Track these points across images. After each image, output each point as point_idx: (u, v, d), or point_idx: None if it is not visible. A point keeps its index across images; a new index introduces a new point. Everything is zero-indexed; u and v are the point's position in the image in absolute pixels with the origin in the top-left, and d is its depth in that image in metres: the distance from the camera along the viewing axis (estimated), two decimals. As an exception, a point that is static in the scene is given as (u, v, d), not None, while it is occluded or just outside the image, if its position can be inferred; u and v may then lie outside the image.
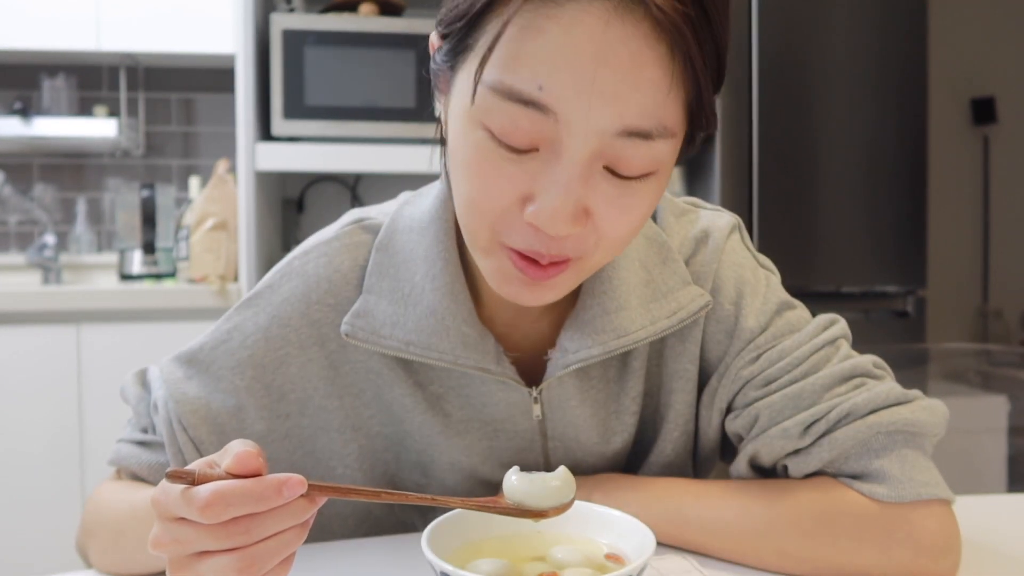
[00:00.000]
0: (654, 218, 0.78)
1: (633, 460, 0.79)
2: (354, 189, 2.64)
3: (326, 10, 2.32)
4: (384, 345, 0.69)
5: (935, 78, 2.30)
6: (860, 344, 0.74)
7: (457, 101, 0.59)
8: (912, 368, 2.20)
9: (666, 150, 0.56)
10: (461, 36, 0.57)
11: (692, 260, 0.75)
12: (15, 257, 2.68)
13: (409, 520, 0.78)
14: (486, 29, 0.55)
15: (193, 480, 0.48)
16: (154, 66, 2.73)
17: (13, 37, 2.42)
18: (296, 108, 2.16)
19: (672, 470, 0.77)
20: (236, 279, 2.33)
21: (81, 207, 2.71)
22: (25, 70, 2.68)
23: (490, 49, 0.54)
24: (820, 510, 0.66)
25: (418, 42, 2.19)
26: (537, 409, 0.72)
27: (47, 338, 2.16)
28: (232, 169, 2.39)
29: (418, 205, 0.74)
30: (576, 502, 0.60)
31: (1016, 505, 0.87)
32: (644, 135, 0.54)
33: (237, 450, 0.49)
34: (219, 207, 2.38)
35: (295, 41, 2.15)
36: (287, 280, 0.73)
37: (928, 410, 0.68)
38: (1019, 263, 3.13)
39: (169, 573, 0.50)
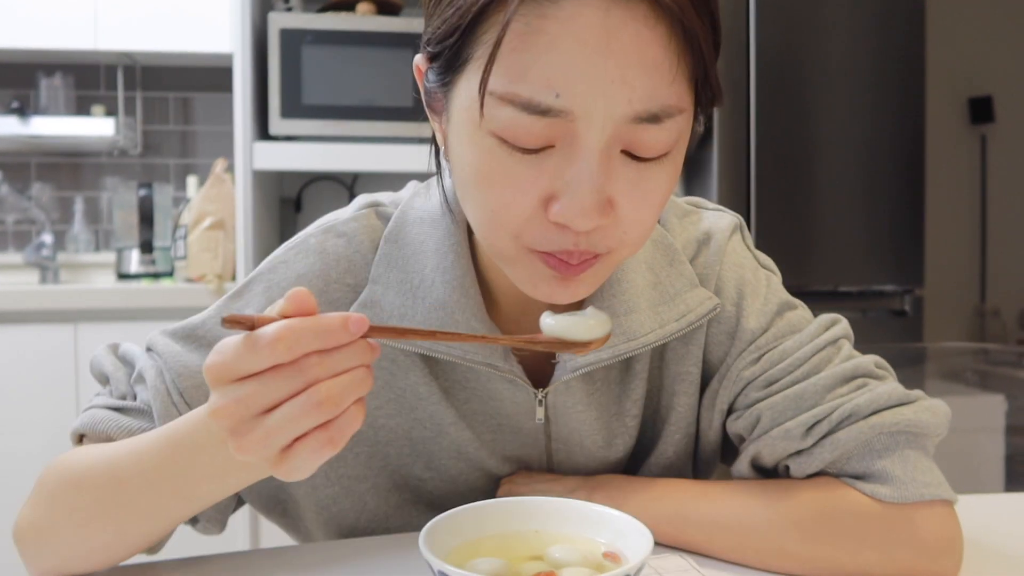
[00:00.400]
0: (658, 220, 0.78)
1: (634, 462, 0.79)
2: (352, 188, 2.64)
3: (323, 9, 2.32)
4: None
5: (933, 77, 2.30)
6: (858, 343, 0.74)
7: (458, 116, 0.58)
8: (910, 367, 2.20)
9: (679, 128, 0.56)
10: (456, 50, 0.56)
11: (695, 262, 0.75)
12: (12, 256, 2.68)
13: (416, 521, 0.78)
14: (482, 39, 0.54)
15: (252, 325, 0.46)
16: (151, 65, 2.73)
17: (10, 36, 2.42)
18: (294, 107, 2.15)
19: (673, 472, 0.77)
20: (234, 278, 2.33)
21: (79, 206, 2.70)
22: (22, 69, 2.67)
23: (491, 58, 0.53)
24: (822, 510, 0.66)
25: (416, 41, 2.19)
26: (540, 412, 0.72)
27: (45, 337, 2.16)
28: (230, 168, 2.38)
29: (428, 197, 0.73)
30: (574, 501, 0.60)
31: (1014, 504, 0.87)
32: (654, 117, 0.54)
33: (290, 292, 0.47)
34: (217, 206, 2.37)
35: (293, 40, 2.15)
36: (303, 257, 0.72)
37: (930, 411, 0.68)
38: (1017, 262, 3.14)
39: (233, 445, 0.47)
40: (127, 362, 0.73)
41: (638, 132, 0.54)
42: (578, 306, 0.71)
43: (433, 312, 0.68)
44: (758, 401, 0.71)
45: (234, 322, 0.46)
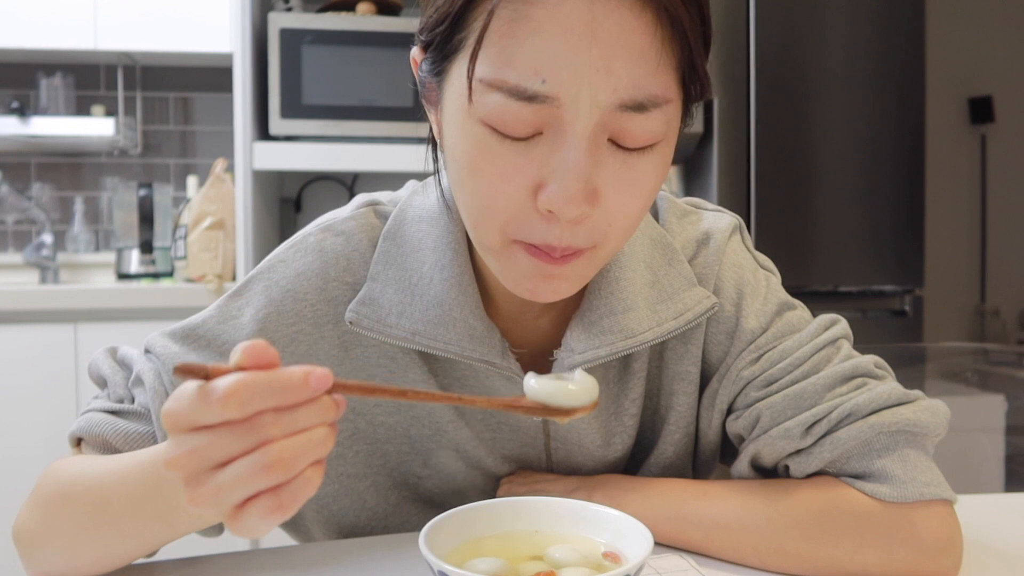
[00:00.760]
0: (656, 219, 0.78)
1: (633, 462, 0.79)
2: (351, 188, 2.64)
3: (323, 9, 2.32)
4: (389, 334, 0.68)
5: (933, 77, 2.30)
6: (858, 343, 0.74)
7: (450, 105, 0.58)
8: (909, 367, 2.20)
9: (666, 118, 0.56)
10: (446, 38, 0.57)
11: (694, 262, 0.75)
12: (12, 256, 2.68)
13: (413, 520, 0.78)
14: (471, 26, 0.55)
15: (207, 375, 0.43)
16: (151, 65, 2.73)
17: (10, 36, 2.42)
18: (293, 107, 2.15)
19: (672, 472, 0.77)
20: (234, 278, 2.33)
21: (78, 206, 2.70)
22: (22, 69, 2.67)
23: (479, 43, 0.53)
24: (822, 509, 0.66)
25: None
26: None
27: (44, 337, 2.16)
28: (230, 168, 2.38)
29: (427, 195, 0.74)
30: (574, 501, 0.60)
31: (1014, 504, 0.87)
32: (640, 107, 0.54)
33: (244, 344, 0.44)
34: (217, 206, 2.37)
35: (293, 40, 2.15)
36: (302, 255, 0.72)
37: (930, 410, 0.68)
38: (1016, 262, 3.14)
39: (186, 496, 0.44)
40: (125, 365, 0.73)
41: (624, 120, 0.55)
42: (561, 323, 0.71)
43: (431, 309, 0.68)
44: (758, 401, 0.71)
45: (186, 372, 0.43)
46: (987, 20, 3.09)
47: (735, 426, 0.73)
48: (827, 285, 2.17)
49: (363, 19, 2.22)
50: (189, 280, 2.37)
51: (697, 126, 2.11)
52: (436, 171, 0.70)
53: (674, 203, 0.79)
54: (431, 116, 0.64)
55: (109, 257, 2.66)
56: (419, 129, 2.21)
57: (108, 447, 0.68)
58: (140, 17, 2.43)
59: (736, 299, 0.74)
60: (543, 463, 0.76)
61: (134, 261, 2.49)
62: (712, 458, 0.79)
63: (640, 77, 0.53)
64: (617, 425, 0.75)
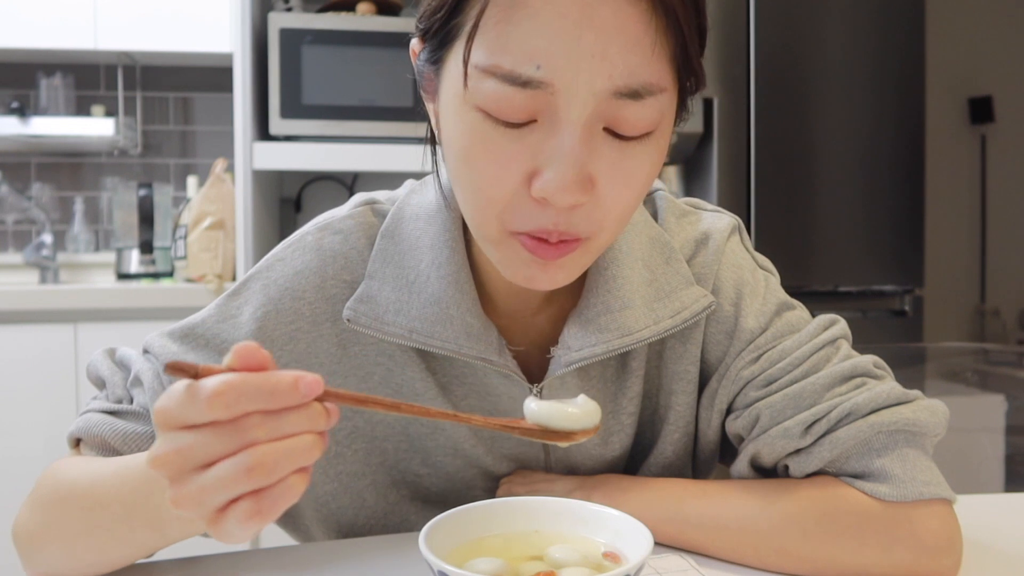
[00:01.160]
0: (656, 218, 0.78)
1: (633, 461, 0.79)
2: (351, 188, 2.64)
3: (323, 9, 2.32)
4: (387, 332, 0.68)
5: (933, 77, 2.30)
6: (858, 343, 0.74)
7: (447, 93, 0.59)
8: (909, 367, 2.20)
9: (660, 107, 0.56)
10: (443, 24, 0.57)
11: (692, 261, 0.75)
12: (12, 256, 2.68)
13: (412, 520, 0.78)
14: (468, 13, 0.55)
15: (196, 374, 0.43)
16: (151, 65, 2.73)
17: (10, 36, 2.41)
18: (293, 107, 2.15)
19: (672, 471, 0.77)
20: (233, 278, 2.33)
21: (78, 206, 2.70)
22: (22, 69, 2.67)
23: (475, 28, 0.54)
24: (821, 509, 0.66)
25: (416, 41, 2.19)
26: None
27: (44, 337, 2.16)
28: (230, 168, 2.38)
29: (424, 194, 0.74)
30: (574, 501, 0.60)
31: (1014, 504, 0.87)
32: (634, 94, 0.54)
33: (237, 345, 0.44)
34: (217, 206, 2.37)
35: (293, 40, 2.15)
36: (300, 254, 0.72)
37: (929, 410, 0.68)
38: (1016, 262, 3.14)
39: (170, 496, 0.44)
40: (124, 366, 0.73)
41: (619, 108, 0.55)
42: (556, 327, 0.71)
43: (428, 307, 0.68)
44: (757, 400, 0.71)
45: (177, 370, 0.42)
46: (987, 20, 3.09)
47: (734, 426, 0.73)
48: (827, 285, 2.17)
49: (363, 19, 2.22)
50: (189, 280, 2.37)
51: (697, 126, 2.11)
52: (434, 165, 0.70)
53: (673, 203, 0.79)
54: (429, 108, 0.65)
55: (109, 257, 2.66)
56: (419, 129, 2.19)
57: (107, 447, 0.68)
58: (140, 17, 2.43)
59: (735, 299, 0.74)
60: (541, 462, 0.76)
61: (134, 261, 2.49)
62: (711, 458, 0.79)
63: (635, 64, 0.54)
64: (615, 424, 0.75)
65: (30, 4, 2.40)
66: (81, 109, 2.68)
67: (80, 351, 2.17)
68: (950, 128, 3.09)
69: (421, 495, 0.77)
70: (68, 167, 2.75)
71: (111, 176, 2.73)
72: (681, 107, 0.61)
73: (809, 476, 0.69)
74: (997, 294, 3.13)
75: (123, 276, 2.50)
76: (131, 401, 0.70)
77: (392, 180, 2.09)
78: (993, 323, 3.12)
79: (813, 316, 0.76)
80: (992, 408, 2.06)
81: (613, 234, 0.62)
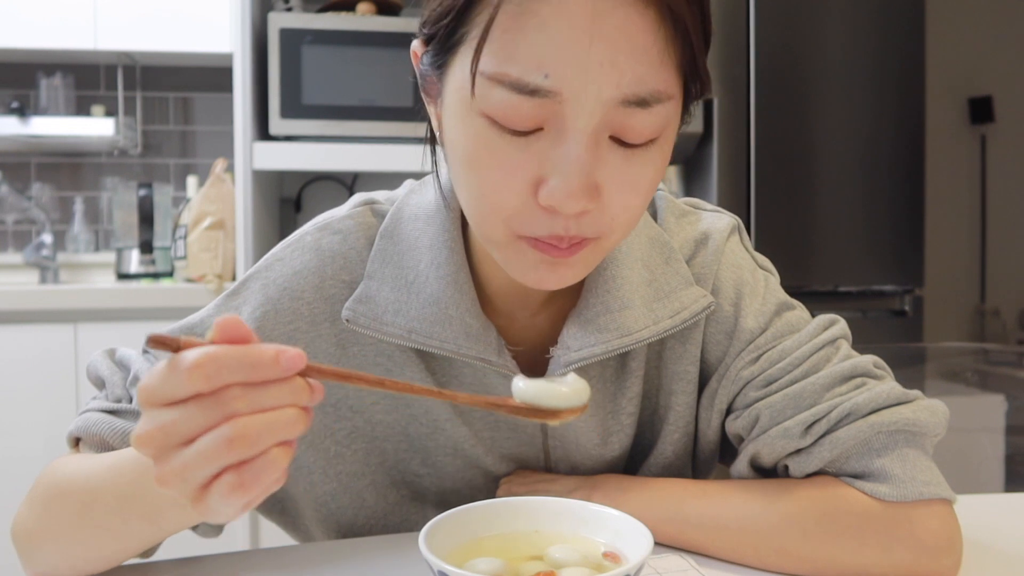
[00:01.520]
0: (655, 218, 0.78)
1: (632, 462, 0.79)
2: (351, 188, 2.64)
3: (323, 9, 2.32)
4: (386, 332, 0.68)
5: (933, 77, 2.30)
6: (858, 343, 0.74)
7: (452, 98, 0.58)
8: (909, 367, 2.21)
9: (667, 114, 0.56)
10: (450, 31, 0.57)
11: (692, 262, 0.75)
12: (12, 256, 2.68)
13: (413, 519, 0.78)
14: (475, 20, 0.55)
15: (178, 346, 0.43)
16: (151, 65, 2.73)
17: (10, 36, 2.42)
18: (293, 107, 2.15)
19: (672, 472, 0.77)
20: (233, 278, 2.33)
21: (78, 206, 2.70)
22: (22, 69, 2.67)
23: (484, 37, 0.53)
24: (821, 509, 0.66)
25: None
26: None
27: (44, 337, 2.16)
28: (229, 168, 2.38)
29: (424, 194, 0.74)
30: (574, 501, 0.60)
31: (1014, 504, 0.87)
32: (642, 102, 0.54)
33: (218, 319, 0.44)
34: (216, 206, 2.37)
35: (293, 40, 2.15)
36: (299, 254, 0.72)
37: (929, 410, 0.68)
38: (1016, 262, 3.14)
39: (156, 475, 0.44)
40: (123, 366, 0.73)
41: (627, 117, 0.55)
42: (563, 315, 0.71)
43: (427, 307, 0.68)
44: (757, 400, 0.71)
45: (158, 343, 0.42)
46: (987, 20, 3.09)
47: (734, 426, 0.73)
48: (827, 285, 2.17)
49: (363, 19, 2.22)
50: (189, 280, 2.37)
51: (697, 126, 2.11)
52: (434, 165, 0.70)
53: (673, 203, 0.79)
54: (430, 110, 0.65)
55: (109, 257, 2.66)
56: (419, 129, 2.19)
57: (106, 446, 0.68)
58: (140, 17, 2.43)
59: (735, 299, 0.74)
60: (541, 462, 0.76)
61: (134, 261, 2.50)
62: (711, 458, 0.79)
63: (643, 73, 0.54)
64: (615, 424, 0.75)
65: (30, 4, 2.40)
66: (81, 109, 2.68)
67: (80, 351, 2.17)
68: (950, 128, 3.09)
69: (421, 495, 0.77)
70: (68, 167, 2.75)
71: (111, 176, 2.73)
72: (684, 112, 0.61)
73: (809, 476, 0.69)
74: (997, 294, 3.13)
75: (123, 276, 2.50)
76: (130, 400, 0.70)
77: (392, 180, 2.10)
78: (993, 323, 3.12)
79: (813, 316, 0.76)
80: (992, 408, 2.06)
81: (622, 236, 0.62)
